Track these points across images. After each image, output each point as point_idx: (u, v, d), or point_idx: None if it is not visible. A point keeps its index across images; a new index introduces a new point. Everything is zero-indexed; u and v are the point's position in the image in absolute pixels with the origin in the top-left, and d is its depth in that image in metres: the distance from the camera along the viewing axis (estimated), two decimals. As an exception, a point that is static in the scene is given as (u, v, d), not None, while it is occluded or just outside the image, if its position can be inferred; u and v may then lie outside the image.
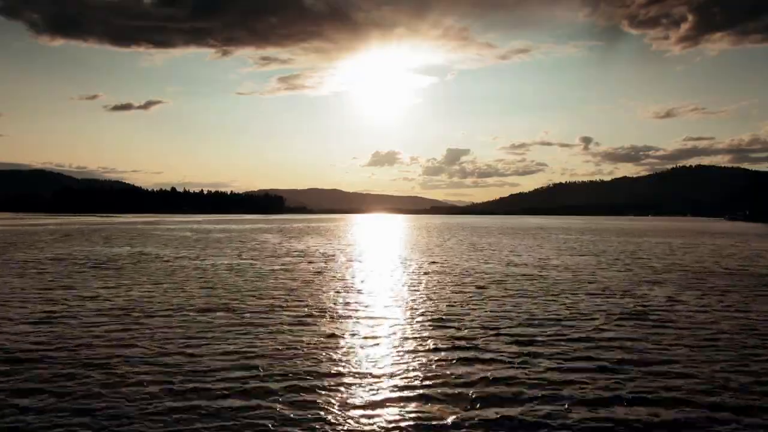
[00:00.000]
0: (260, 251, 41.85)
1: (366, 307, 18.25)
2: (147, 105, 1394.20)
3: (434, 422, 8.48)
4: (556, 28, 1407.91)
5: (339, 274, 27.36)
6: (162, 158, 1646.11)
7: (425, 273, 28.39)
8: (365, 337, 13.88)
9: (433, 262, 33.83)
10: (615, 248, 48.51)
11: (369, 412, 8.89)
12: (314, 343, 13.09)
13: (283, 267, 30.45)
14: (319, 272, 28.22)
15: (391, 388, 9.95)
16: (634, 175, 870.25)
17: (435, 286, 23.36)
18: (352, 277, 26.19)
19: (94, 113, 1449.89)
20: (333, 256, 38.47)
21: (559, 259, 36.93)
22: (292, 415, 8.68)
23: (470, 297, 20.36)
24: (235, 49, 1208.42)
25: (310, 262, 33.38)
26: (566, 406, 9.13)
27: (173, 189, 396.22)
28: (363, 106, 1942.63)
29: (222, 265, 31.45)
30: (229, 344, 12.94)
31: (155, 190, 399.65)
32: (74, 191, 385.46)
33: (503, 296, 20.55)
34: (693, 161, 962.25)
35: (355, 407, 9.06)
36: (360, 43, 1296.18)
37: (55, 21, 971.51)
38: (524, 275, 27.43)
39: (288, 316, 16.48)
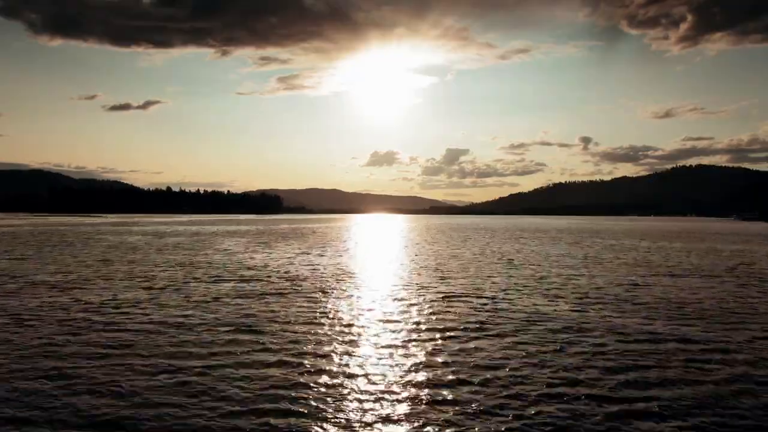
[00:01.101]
0: (194, 270, 27.08)
1: None
2: (146, 105, 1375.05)
3: None
4: (556, 28, 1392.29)
5: (279, 341, 12.46)
6: (161, 158, 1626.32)
7: (449, 330, 13.56)
8: None
9: (463, 299, 18.98)
10: (710, 262, 33.63)
11: None
12: None
13: (181, 319, 15.55)
14: (243, 331, 13.37)
15: None
16: (634, 175, 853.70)
17: (501, 388, 8.51)
18: (303, 355, 11.31)
19: (93, 113, 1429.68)
20: (296, 280, 23.64)
21: (662, 285, 22.08)
22: None
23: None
24: (234, 49, 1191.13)
25: (247, 298, 18.56)
26: None
27: (169, 189, 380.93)
28: (362, 106, 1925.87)
29: (75, 308, 16.61)
30: None
31: (151, 189, 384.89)
32: (71, 191, 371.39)
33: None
34: (692, 161, 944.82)
35: None
36: (360, 43, 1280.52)
37: (54, 21, 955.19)
38: (671, 340, 12.54)
39: None
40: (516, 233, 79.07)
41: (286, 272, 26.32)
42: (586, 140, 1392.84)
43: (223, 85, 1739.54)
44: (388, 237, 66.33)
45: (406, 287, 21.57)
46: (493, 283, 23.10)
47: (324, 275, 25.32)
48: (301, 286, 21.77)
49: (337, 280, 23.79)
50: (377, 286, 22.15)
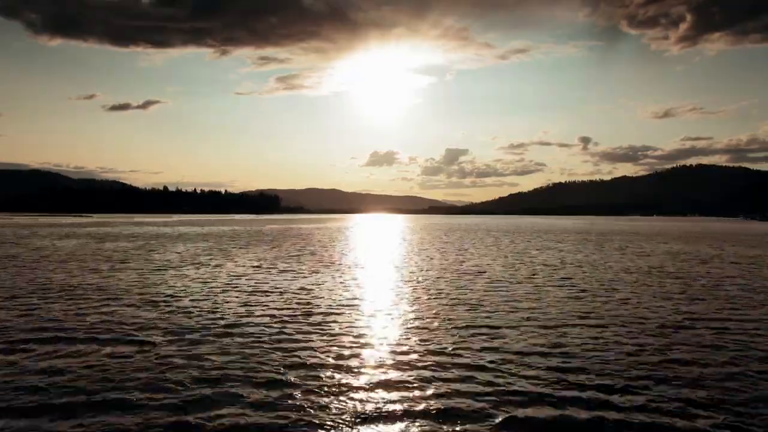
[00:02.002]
0: (40, 307, 15.43)
1: None
2: (145, 105, 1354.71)
3: None
4: (556, 28, 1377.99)
5: None
6: (161, 158, 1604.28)
7: None
8: None
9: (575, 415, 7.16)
10: None
11: None
12: None
13: None
14: None
15: None
16: (634, 175, 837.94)
17: None
18: None
19: (93, 113, 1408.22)
20: (197, 336, 11.92)
21: None
22: None
23: None
24: (233, 49, 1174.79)
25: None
26: None
27: (165, 188, 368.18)
28: (362, 106, 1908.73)
29: None
30: None
31: (147, 189, 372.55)
32: (70, 191, 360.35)
33: None
34: (691, 161, 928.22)
35: None
36: (359, 43, 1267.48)
37: (54, 21, 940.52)
38: None
39: None
40: (533, 235, 67.28)
41: (199, 315, 14.57)
42: (585, 140, 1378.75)
43: (222, 85, 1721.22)
44: (386, 241, 54.62)
45: (420, 360, 9.83)
46: (594, 352, 11.31)
47: (259, 325, 13.53)
48: (196, 364, 10.04)
49: (279, 338, 12.03)
50: (357, 357, 10.40)
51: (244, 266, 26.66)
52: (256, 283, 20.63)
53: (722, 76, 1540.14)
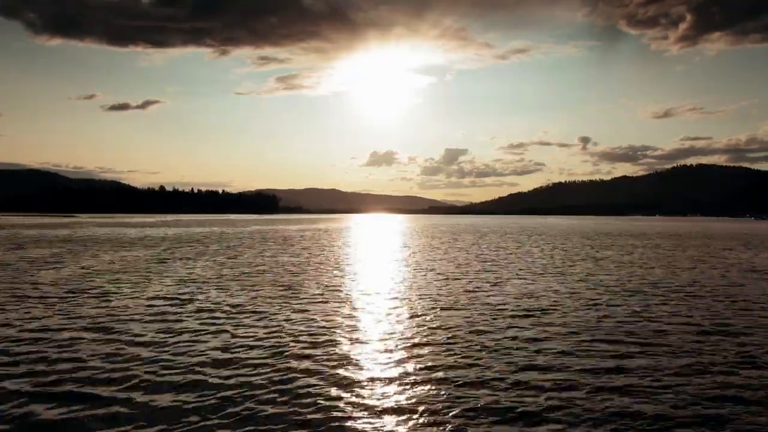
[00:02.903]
0: None
1: None
2: (145, 105, 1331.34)
3: None
4: (555, 28, 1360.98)
5: None
6: (161, 158, 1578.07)
7: None
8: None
9: None
10: None
11: None
12: None
13: None
14: None
15: None
16: (634, 175, 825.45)
17: None
18: None
19: (92, 113, 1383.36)
20: None
21: None
22: None
23: None
24: (233, 49, 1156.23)
25: None
26: None
27: (162, 188, 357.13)
28: (362, 106, 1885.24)
29: None
30: None
31: (145, 189, 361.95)
32: (69, 191, 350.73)
33: None
34: (690, 161, 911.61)
35: None
36: (359, 43, 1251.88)
37: (54, 21, 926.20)
38: None
39: None
40: (556, 239, 56.86)
41: None
42: (585, 140, 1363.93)
43: (222, 85, 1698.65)
44: (385, 248, 44.12)
45: None
46: None
47: None
48: None
49: None
50: None
51: (149, 297, 16.12)
52: (113, 346, 10.13)
53: (722, 76, 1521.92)
